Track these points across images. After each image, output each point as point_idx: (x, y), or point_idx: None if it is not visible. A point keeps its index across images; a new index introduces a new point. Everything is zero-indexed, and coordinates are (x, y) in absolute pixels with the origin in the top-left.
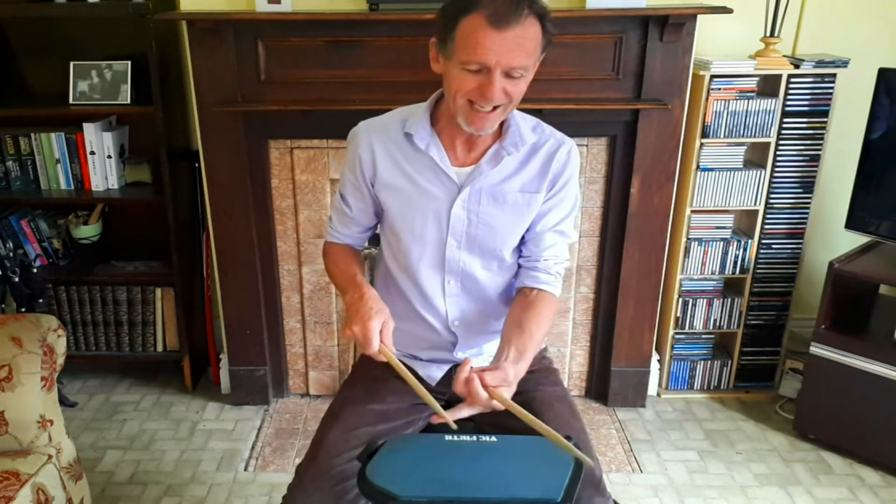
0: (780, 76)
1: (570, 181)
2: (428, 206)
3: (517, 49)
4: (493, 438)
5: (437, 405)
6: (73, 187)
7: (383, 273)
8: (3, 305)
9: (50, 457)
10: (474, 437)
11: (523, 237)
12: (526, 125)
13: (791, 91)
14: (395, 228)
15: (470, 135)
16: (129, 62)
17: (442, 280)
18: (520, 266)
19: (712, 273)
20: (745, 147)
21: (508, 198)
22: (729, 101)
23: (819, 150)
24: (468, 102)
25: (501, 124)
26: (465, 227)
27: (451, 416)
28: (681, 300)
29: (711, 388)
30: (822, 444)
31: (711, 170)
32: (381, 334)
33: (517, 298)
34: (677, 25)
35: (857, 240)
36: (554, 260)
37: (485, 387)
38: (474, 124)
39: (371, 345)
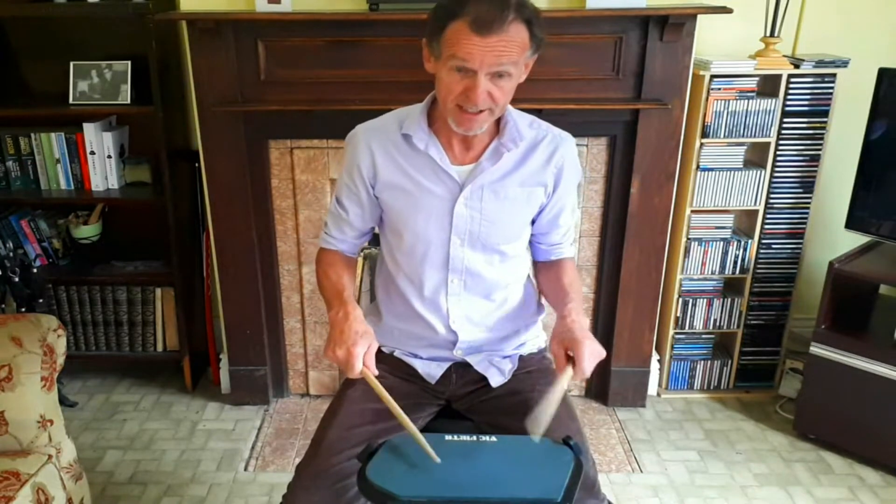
0: (780, 76)
1: (572, 172)
2: (430, 205)
3: (501, 54)
4: (493, 438)
5: (416, 432)
6: (73, 187)
7: (384, 274)
8: (3, 305)
9: (50, 457)
10: (474, 437)
11: (545, 230)
12: (523, 121)
13: (791, 91)
14: (397, 229)
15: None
16: (129, 62)
17: (445, 279)
18: (538, 245)
19: (712, 273)
20: (745, 147)
21: (509, 193)
22: (729, 101)
23: (819, 150)
24: (456, 105)
25: (498, 121)
26: (469, 225)
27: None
28: (681, 300)
29: (711, 388)
30: (822, 444)
31: (711, 170)
32: (364, 357)
33: (547, 272)
34: (677, 25)
35: (857, 240)
36: (569, 233)
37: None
38: (463, 125)
39: (353, 370)
